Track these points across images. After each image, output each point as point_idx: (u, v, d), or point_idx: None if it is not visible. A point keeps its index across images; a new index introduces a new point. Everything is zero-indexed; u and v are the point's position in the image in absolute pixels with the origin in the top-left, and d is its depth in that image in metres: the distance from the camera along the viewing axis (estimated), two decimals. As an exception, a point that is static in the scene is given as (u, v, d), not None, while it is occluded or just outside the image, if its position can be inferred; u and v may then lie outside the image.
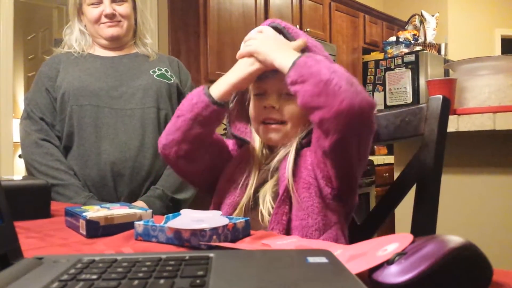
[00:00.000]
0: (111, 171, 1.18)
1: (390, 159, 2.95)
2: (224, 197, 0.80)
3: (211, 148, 0.81)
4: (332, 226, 0.71)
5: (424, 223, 0.77)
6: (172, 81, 1.31)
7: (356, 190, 0.75)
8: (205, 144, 0.79)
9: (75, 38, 1.31)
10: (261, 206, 0.73)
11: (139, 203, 1.18)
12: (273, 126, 0.78)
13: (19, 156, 1.28)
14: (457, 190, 1.41)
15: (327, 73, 0.64)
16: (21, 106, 1.34)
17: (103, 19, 1.27)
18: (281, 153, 0.78)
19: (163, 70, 1.32)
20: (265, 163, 0.80)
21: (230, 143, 0.88)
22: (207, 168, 0.82)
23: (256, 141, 0.83)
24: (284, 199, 0.71)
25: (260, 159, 0.81)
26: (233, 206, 0.78)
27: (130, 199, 1.19)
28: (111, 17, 1.26)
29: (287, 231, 0.71)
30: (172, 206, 1.23)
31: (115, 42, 1.31)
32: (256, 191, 0.76)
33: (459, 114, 1.29)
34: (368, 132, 0.68)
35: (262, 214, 0.73)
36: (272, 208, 0.72)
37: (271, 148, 0.82)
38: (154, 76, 1.29)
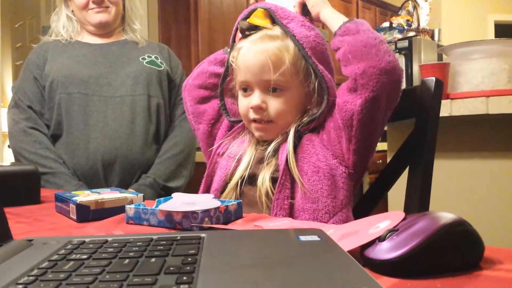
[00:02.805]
0: (100, 160, 1.17)
1: (383, 146, 2.95)
2: (215, 170, 0.81)
3: (214, 104, 0.87)
4: (342, 209, 0.72)
5: (417, 207, 0.77)
6: (162, 68, 1.29)
7: (366, 166, 0.76)
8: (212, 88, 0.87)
9: (62, 24, 1.28)
10: (259, 189, 0.73)
11: (130, 191, 1.17)
12: (263, 125, 0.77)
13: (8, 147, 1.26)
14: (450, 174, 1.42)
15: (381, 36, 0.70)
16: (9, 95, 1.32)
17: (91, 5, 1.24)
18: (278, 139, 0.77)
19: (153, 57, 1.30)
20: (261, 144, 0.80)
21: (227, 122, 0.87)
22: (209, 124, 0.87)
23: None
24: (283, 183, 0.71)
25: (256, 139, 0.81)
26: (224, 180, 0.78)
27: (120, 188, 1.18)
28: (99, 2, 1.24)
29: (290, 215, 0.70)
30: (164, 195, 1.22)
31: (103, 29, 1.29)
32: (253, 171, 0.76)
33: (452, 99, 1.29)
34: (394, 101, 0.71)
35: (260, 197, 0.72)
36: (272, 192, 0.71)
37: None
38: (144, 63, 1.27)
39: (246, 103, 0.77)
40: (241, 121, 0.84)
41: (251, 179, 0.75)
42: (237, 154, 0.79)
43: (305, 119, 0.76)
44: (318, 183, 0.71)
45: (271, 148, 0.76)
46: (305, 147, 0.74)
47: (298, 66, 0.75)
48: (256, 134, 0.79)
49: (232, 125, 0.86)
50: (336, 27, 0.73)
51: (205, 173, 0.82)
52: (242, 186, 0.75)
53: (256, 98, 0.75)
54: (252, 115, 0.77)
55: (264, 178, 0.73)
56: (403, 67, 2.14)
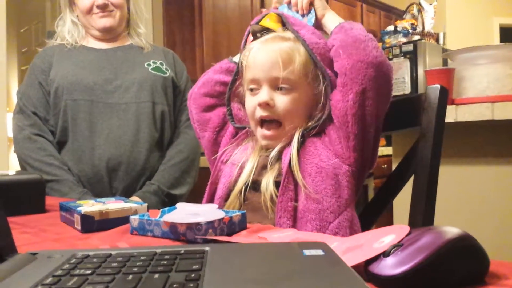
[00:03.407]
0: (105, 167, 1.17)
1: (388, 150, 2.94)
2: (219, 178, 0.81)
3: (219, 112, 0.87)
4: (347, 207, 0.72)
5: (422, 214, 0.77)
6: (167, 75, 1.30)
7: (367, 164, 0.77)
8: (217, 97, 0.87)
9: (67, 29, 1.29)
10: (263, 194, 0.73)
11: (134, 198, 1.17)
12: (271, 132, 0.76)
13: (14, 151, 1.27)
14: (455, 180, 1.41)
15: (371, 35, 0.75)
16: (15, 100, 1.33)
17: (95, 10, 1.25)
18: (282, 144, 0.77)
19: (158, 63, 1.30)
20: (264, 150, 0.80)
21: (231, 129, 0.87)
22: (214, 132, 0.87)
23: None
24: (286, 185, 0.71)
25: (259, 146, 0.80)
26: (228, 187, 0.78)
27: (125, 195, 1.18)
28: (103, 7, 1.24)
29: (294, 217, 0.70)
30: (168, 202, 1.22)
31: (108, 33, 1.29)
32: (256, 178, 0.75)
33: (457, 104, 1.28)
34: (386, 96, 0.75)
35: (264, 202, 0.72)
36: (276, 196, 0.71)
37: None
38: (149, 69, 1.27)
39: (253, 102, 0.77)
40: (245, 128, 0.84)
41: (255, 185, 0.75)
42: (240, 161, 0.78)
43: (310, 124, 0.76)
44: (322, 183, 0.71)
45: (274, 152, 0.76)
46: (307, 149, 0.74)
47: (307, 69, 0.76)
48: (263, 142, 0.78)
49: (236, 132, 0.86)
50: (333, 27, 0.79)
51: (209, 181, 0.82)
52: (246, 193, 0.75)
53: (264, 94, 0.75)
54: (259, 112, 0.76)
55: (267, 182, 0.73)
56: (408, 71, 2.13)
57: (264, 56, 0.76)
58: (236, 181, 0.77)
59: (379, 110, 0.73)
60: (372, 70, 0.70)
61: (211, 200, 0.81)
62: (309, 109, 0.77)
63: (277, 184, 0.73)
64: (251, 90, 0.78)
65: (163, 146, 1.28)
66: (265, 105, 0.75)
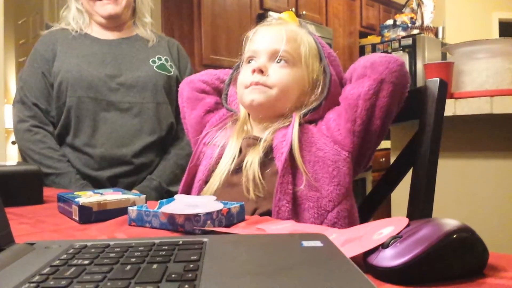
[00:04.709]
0: (105, 166, 1.16)
1: (386, 144, 2.94)
2: (201, 160, 0.80)
3: (213, 98, 0.88)
4: (346, 196, 0.71)
5: (421, 207, 0.77)
6: (172, 73, 1.27)
7: (366, 156, 0.77)
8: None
9: (72, 17, 1.26)
10: (245, 171, 0.72)
11: (134, 191, 1.17)
12: (258, 87, 0.75)
13: (12, 143, 1.26)
14: (454, 174, 1.41)
15: None
16: (12, 92, 1.31)
17: None
18: (274, 126, 0.76)
19: (163, 59, 1.28)
20: (247, 132, 0.80)
21: (221, 114, 0.87)
22: (204, 111, 0.87)
23: (241, 112, 0.82)
24: (286, 167, 0.70)
25: (242, 129, 0.80)
26: (209, 169, 0.77)
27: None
28: None
29: (293, 201, 0.69)
30: (167, 198, 1.21)
31: (113, 21, 1.26)
32: (240, 160, 0.74)
33: (456, 98, 1.28)
34: (400, 97, 0.75)
35: (246, 181, 0.71)
36: (259, 179, 0.70)
37: (255, 123, 0.81)
38: (154, 67, 1.25)
39: (247, 70, 0.77)
40: (231, 110, 0.84)
41: (238, 168, 0.74)
42: (222, 143, 0.78)
43: (306, 110, 0.76)
44: (320, 172, 0.71)
45: (269, 132, 0.75)
46: (304, 135, 0.74)
47: (308, 57, 0.77)
48: (248, 97, 0.76)
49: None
50: None
51: (189, 164, 0.81)
52: (229, 175, 0.74)
53: (260, 61, 0.76)
54: (250, 77, 0.75)
55: (252, 161, 0.72)
56: (407, 65, 2.14)
57: (269, 30, 0.79)
58: (217, 162, 0.76)
59: (390, 107, 0.73)
60: (395, 65, 0.72)
61: (190, 183, 0.80)
62: (301, 93, 0.77)
63: (262, 164, 0.72)
64: (249, 62, 0.78)
65: (166, 144, 1.27)
66: (259, 71, 0.75)
